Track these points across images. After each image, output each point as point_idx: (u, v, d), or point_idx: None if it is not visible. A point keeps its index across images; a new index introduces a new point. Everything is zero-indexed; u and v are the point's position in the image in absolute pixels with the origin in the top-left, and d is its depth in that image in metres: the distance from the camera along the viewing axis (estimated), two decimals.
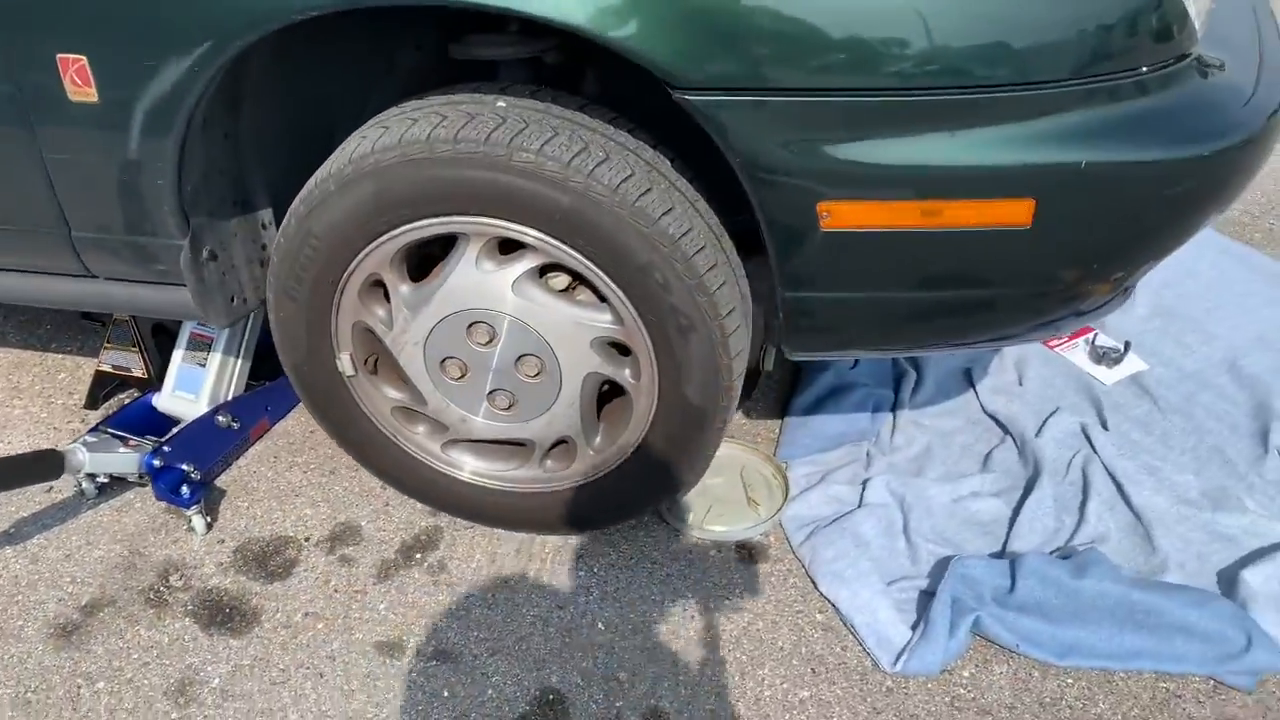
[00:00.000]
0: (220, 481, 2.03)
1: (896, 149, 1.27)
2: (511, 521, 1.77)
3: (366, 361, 1.65)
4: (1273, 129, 1.40)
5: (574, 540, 1.89)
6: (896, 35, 1.22)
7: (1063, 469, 2.03)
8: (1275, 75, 1.46)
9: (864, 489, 1.94)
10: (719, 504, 1.95)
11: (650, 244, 1.37)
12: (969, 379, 2.27)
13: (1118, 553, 1.86)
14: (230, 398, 2.06)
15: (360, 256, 1.48)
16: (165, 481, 1.85)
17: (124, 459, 1.85)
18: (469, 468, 1.71)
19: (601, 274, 1.42)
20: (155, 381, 2.12)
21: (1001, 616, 1.70)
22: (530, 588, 1.80)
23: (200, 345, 2.02)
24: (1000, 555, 1.84)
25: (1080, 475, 2.01)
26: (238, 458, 2.08)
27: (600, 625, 1.74)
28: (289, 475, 2.04)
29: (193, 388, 2.01)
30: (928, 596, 1.75)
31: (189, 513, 1.88)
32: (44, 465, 1.75)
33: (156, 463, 1.86)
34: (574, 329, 1.49)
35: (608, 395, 1.65)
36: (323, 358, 1.61)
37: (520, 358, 1.54)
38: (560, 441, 1.65)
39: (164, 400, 2.03)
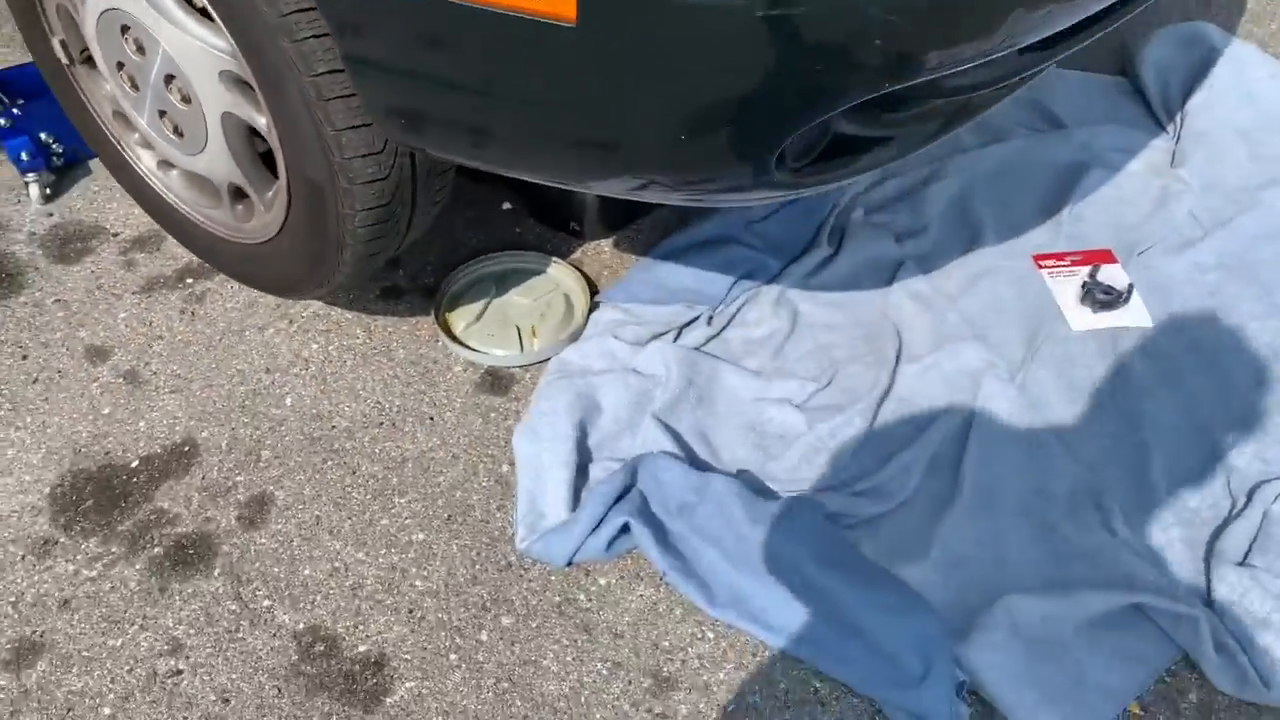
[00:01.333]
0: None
1: None
2: (219, 264, 1.66)
3: (83, 52, 1.55)
4: None
5: (338, 313, 1.75)
6: None
7: (915, 411, 1.60)
8: None
9: (642, 352, 1.63)
10: (502, 323, 1.72)
11: None
12: (893, 273, 1.82)
13: (898, 528, 1.46)
14: None
15: None
16: (10, 144, 1.89)
17: None
18: (179, 194, 1.60)
19: None
20: None
21: (663, 532, 1.40)
22: (258, 342, 1.70)
23: None
24: (752, 478, 1.50)
25: (926, 426, 1.57)
26: None
27: (288, 400, 1.62)
28: None
29: None
30: None
31: (26, 178, 1.92)
32: None
33: (3, 122, 1.90)
34: (200, 54, 1.30)
35: None
36: (41, 40, 1.53)
37: (169, 79, 1.38)
38: (241, 189, 1.49)
39: None
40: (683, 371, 1.59)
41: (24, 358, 1.68)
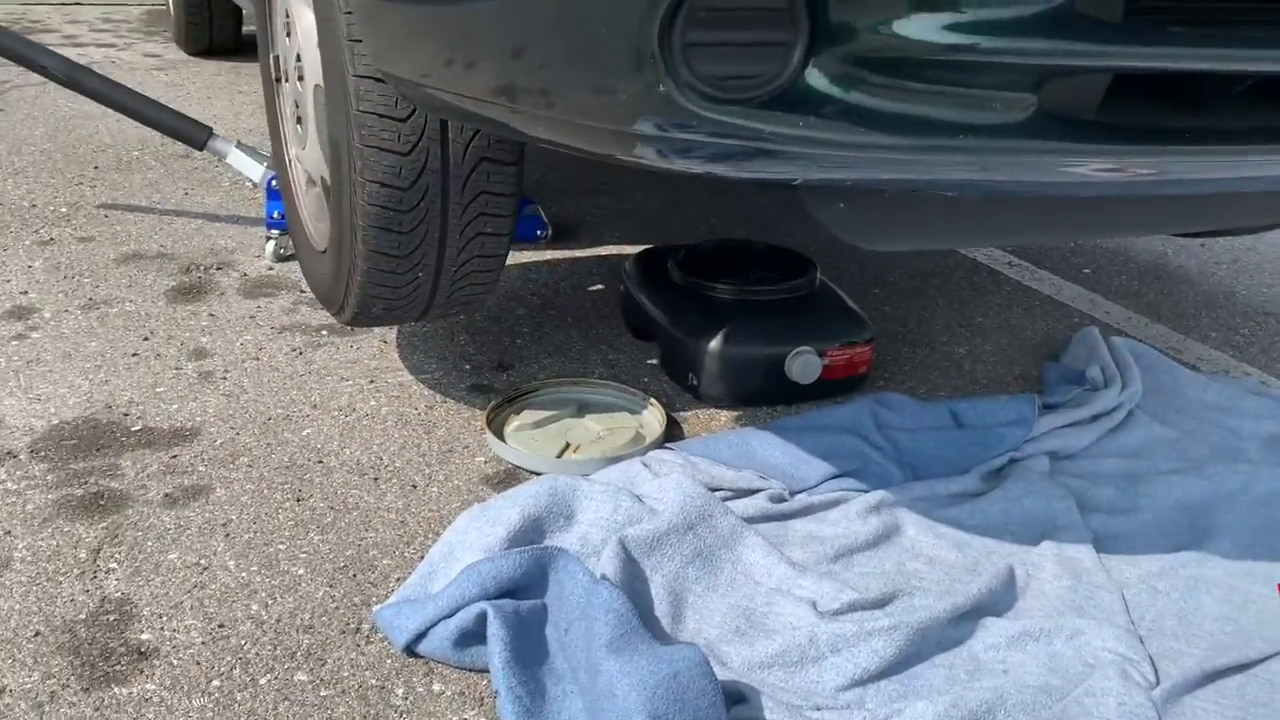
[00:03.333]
0: None
1: None
2: (309, 280, 1.63)
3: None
4: None
5: (420, 388, 1.64)
6: None
7: (971, 669, 1.10)
8: None
9: (656, 480, 1.31)
10: (556, 436, 1.50)
11: None
12: (1053, 535, 1.33)
13: None
14: None
15: None
16: (272, 199, 2.09)
17: (253, 168, 2.14)
18: (306, 207, 1.62)
19: None
20: None
21: (540, 651, 1.04)
22: (329, 386, 1.63)
23: None
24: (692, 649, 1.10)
25: (976, 689, 1.07)
26: None
27: (306, 431, 1.51)
28: None
29: None
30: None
31: (270, 233, 2.10)
32: (192, 130, 2.13)
33: (274, 183, 2.11)
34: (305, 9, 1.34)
35: None
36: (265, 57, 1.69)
37: (298, 58, 1.43)
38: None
39: None
40: (687, 513, 1.24)
41: (145, 339, 1.74)
